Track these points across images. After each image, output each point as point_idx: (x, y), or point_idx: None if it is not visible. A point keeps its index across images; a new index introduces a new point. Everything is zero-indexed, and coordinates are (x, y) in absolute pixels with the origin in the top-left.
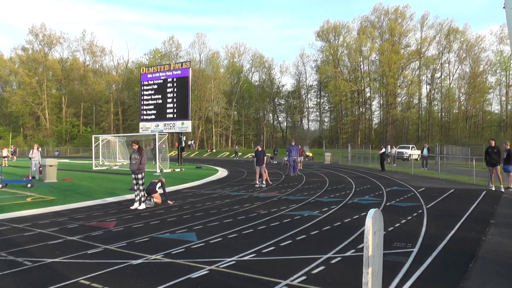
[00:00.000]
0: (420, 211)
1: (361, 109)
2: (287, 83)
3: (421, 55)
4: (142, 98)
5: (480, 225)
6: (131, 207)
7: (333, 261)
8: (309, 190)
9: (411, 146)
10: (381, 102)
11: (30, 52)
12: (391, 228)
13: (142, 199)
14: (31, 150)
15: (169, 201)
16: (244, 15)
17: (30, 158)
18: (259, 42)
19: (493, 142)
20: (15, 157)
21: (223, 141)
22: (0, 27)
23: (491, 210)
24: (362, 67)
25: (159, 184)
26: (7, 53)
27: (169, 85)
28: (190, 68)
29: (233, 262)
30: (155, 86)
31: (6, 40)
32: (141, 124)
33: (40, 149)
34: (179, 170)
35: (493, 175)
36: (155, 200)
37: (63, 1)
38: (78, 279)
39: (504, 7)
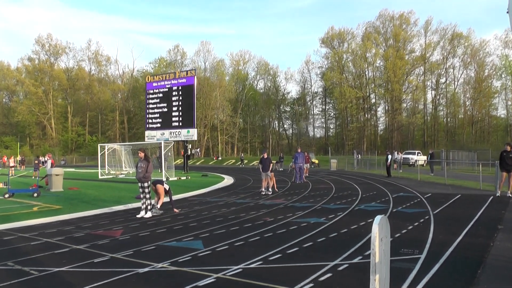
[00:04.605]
0: (427, 217)
1: (366, 116)
2: (292, 90)
3: (426, 61)
4: (148, 106)
5: (487, 230)
6: (138, 216)
7: (340, 268)
8: (315, 197)
9: (417, 151)
10: (387, 108)
11: (36, 62)
12: (398, 234)
13: (149, 207)
14: (47, 160)
15: (175, 209)
16: (248, 23)
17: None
18: (264, 49)
19: (509, 147)
20: (23, 166)
21: (228, 148)
22: (7, 38)
23: (499, 215)
24: (367, 73)
25: (167, 187)
26: (13, 63)
27: (174, 93)
28: (195, 76)
29: (240, 269)
30: (161, 95)
31: (13, 50)
32: (147, 132)
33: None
34: (185, 178)
35: (504, 181)
36: (156, 199)
37: (68, 11)
38: None
39: (507, 12)
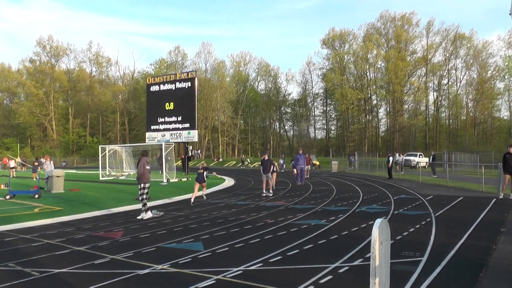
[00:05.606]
0: (428, 220)
1: (367, 117)
2: (293, 91)
3: (428, 62)
4: (148, 108)
5: (490, 233)
6: (138, 217)
7: (341, 271)
8: (316, 199)
9: (418, 153)
10: (388, 109)
11: (37, 63)
12: (399, 236)
13: (148, 208)
14: (44, 161)
15: (215, 173)
16: (248, 24)
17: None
18: (265, 50)
19: (511, 148)
20: (24, 168)
21: (229, 150)
22: (8, 40)
23: (502, 218)
24: (368, 74)
25: (205, 173)
26: (15, 65)
27: (175, 94)
28: (196, 78)
29: (240, 271)
30: (161, 96)
31: (14, 52)
32: (148, 134)
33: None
34: (185, 179)
35: (507, 183)
36: (203, 191)
37: (69, 13)
38: None
39: (510, 14)
